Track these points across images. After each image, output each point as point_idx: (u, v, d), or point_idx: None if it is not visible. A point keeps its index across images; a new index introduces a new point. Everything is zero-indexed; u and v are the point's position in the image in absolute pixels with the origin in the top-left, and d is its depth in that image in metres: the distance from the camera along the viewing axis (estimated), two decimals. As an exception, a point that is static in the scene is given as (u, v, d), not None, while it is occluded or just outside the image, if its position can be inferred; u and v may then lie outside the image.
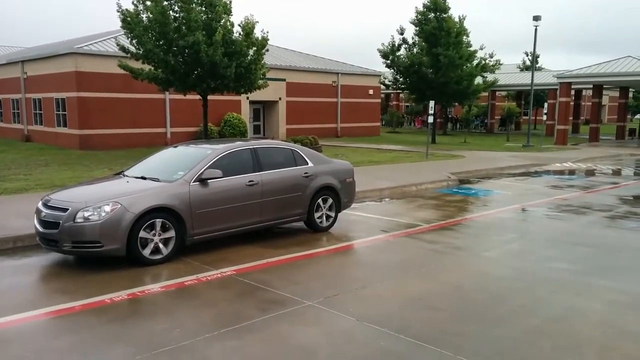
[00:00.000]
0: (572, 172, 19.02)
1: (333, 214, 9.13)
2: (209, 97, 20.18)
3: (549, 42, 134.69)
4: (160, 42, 18.11)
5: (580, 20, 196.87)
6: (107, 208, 6.67)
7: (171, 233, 7.06)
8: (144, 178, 7.67)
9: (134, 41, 18.25)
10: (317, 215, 8.86)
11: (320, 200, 8.88)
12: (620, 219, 10.43)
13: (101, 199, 6.85)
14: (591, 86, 37.81)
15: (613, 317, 5.44)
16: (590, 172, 18.87)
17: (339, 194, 9.15)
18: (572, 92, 36.82)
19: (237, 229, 7.87)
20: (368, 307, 5.62)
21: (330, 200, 9.04)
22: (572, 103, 38.13)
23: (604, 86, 38.57)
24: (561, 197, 12.98)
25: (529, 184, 15.48)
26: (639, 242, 8.56)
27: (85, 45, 23.60)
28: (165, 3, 17.95)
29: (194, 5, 17.97)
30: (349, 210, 10.02)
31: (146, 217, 6.81)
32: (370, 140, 31.64)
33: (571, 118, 39.83)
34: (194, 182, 7.37)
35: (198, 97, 20.27)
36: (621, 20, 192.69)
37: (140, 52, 18.29)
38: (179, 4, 17.93)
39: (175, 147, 8.97)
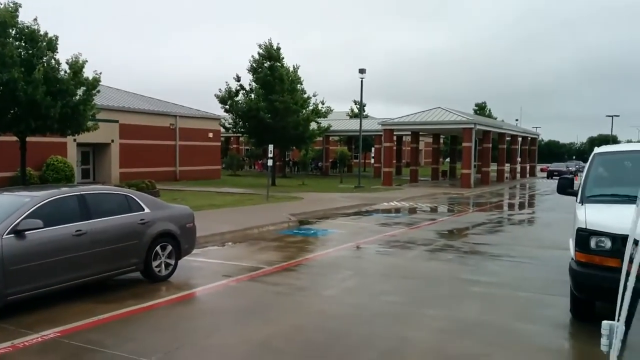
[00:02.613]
0: (397, 210, 20.88)
1: (173, 262, 8.72)
2: (29, 139, 18.18)
3: (372, 92, 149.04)
4: (-32, 77, 15.96)
5: (392, 75, 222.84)
6: None
7: (-22, 295, 6.08)
8: (-58, 232, 6.54)
9: None
10: (155, 264, 8.38)
11: (158, 248, 8.43)
12: (439, 252, 11.68)
13: None
14: (410, 133, 42.46)
15: (439, 344, 6.00)
16: (412, 210, 20.92)
17: (178, 240, 8.79)
18: (395, 137, 40.84)
19: (63, 284, 7.07)
20: (211, 357, 5.42)
21: (169, 247, 8.63)
22: (395, 148, 42.23)
23: (420, 133, 43.60)
24: (390, 234, 14.12)
25: (362, 223, 16.60)
26: (455, 272, 9.64)
27: None
28: None
29: (10, 39, 16.27)
30: (190, 257, 9.67)
31: (-56, 279, 5.79)
32: (211, 183, 31.23)
33: (395, 161, 44.00)
34: (8, 234, 6.49)
35: (15, 138, 18.13)
36: (425, 75, 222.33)
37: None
38: None
39: (-15, 195, 7.85)
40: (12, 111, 16.63)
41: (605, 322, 4.20)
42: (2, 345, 5.62)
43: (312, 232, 14.53)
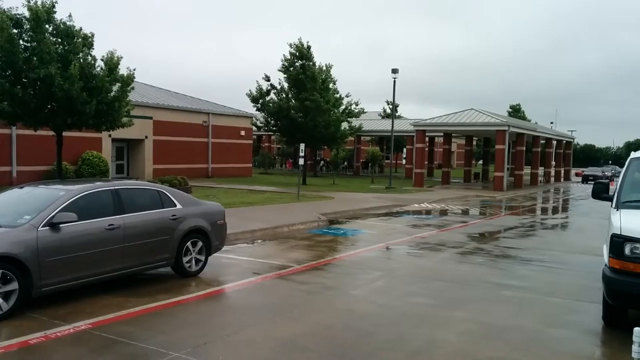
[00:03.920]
0: (428, 212, 20.61)
1: (203, 258, 8.80)
2: (65, 134, 18.67)
3: (404, 92, 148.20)
4: (7, 73, 16.49)
5: (424, 76, 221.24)
6: None
7: (14, 285, 6.24)
8: (-19, 223, 6.75)
9: (-25, 69, 16.38)
10: (185, 259, 8.47)
11: (189, 244, 8.52)
12: (470, 255, 11.45)
13: None
14: (442, 134, 41.89)
15: (466, 346, 5.87)
16: (443, 212, 20.61)
17: (209, 237, 8.86)
18: (427, 139, 40.36)
19: (95, 278, 7.21)
20: (239, 353, 5.42)
21: (200, 244, 8.71)
22: (427, 149, 41.76)
23: (453, 134, 42.99)
24: (420, 236, 13.94)
25: (392, 224, 16.43)
26: (485, 276, 9.45)
27: None
28: (14, 31, 16.47)
29: (47, 35, 16.71)
30: (220, 253, 9.74)
31: (-17, 268, 5.96)
32: (243, 181, 31.51)
33: (426, 162, 43.51)
34: (44, 227, 6.65)
35: (52, 132, 18.65)
36: (457, 76, 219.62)
37: (-19, 81, 16.43)
38: (30, 34, 16.58)
39: (21, 187, 8.08)
40: (49, 106, 17.10)
41: (637, 329, 4.04)
42: (36, 335, 5.76)
43: (342, 232, 14.46)
